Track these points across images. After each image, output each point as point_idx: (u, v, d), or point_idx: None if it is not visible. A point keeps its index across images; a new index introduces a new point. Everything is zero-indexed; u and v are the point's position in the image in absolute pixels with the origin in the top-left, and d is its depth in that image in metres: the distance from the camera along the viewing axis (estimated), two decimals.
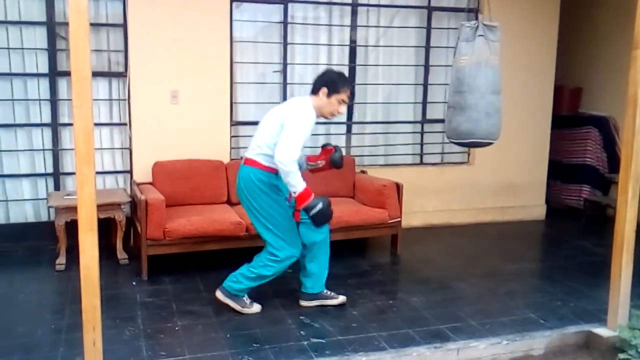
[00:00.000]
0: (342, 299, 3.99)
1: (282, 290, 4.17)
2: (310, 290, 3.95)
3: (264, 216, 3.70)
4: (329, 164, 3.97)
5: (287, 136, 3.53)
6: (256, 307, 3.85)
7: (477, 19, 5.60)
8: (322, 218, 3.60)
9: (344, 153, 5.66)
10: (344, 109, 3.82)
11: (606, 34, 6.52)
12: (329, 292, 4.00)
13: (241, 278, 3.79)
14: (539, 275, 4.90)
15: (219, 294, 3.83)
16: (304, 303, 3.95)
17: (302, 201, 3.54)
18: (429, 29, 5.93)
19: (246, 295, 3.86)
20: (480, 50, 4.23)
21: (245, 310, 3.80)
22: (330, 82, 3.73)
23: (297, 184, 3.50)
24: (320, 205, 3.54)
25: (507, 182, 6.27)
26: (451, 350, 3.39)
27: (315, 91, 3.75)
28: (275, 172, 3.66)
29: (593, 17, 6.72)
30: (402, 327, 3.63)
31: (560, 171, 6.78)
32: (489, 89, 4.25)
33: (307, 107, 3.70)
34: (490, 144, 4.41)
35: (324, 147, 4.03)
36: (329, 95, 3.71)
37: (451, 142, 4.50)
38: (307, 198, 3.53)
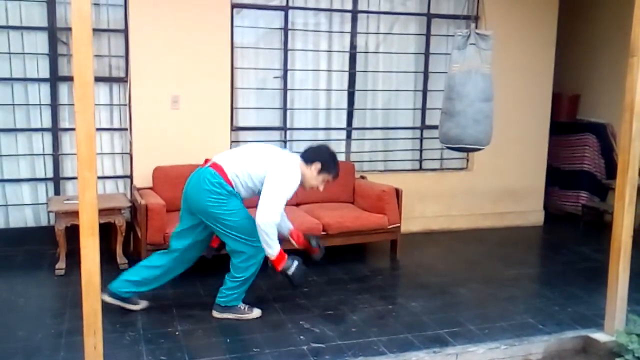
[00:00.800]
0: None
1: (282, 295, 4.19)
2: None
3: (226, 220, 3.68)
4: (304, 254, 3.95)
5: (270, 197, 3.59)
6: (256, 312, 3.86)
7: (476, 26, 5.63)
8: (299, 277, 3.71)
9: (343, 159, 5.77)
10: (322, 188, 3.88)
11: (604, 41, 6.56)
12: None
13: (228, 291, 3.79)
14: (538, 281, 4.92)
15: (215, 313, 3.81)
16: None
17: (278, 264, 3.64)
18: (428, 35, 5.97)
19: (241, 303, 3.84)
20: (471, 58, 4.30)
21: (246, 317, 3.80)
22: (326, 161, 3.81)
23: (273, 246, 3.61)
24: (295, 264, 3.68)
25: (505, 188, 6.30)
26: (450, 355, 3.40)
27: (308, 161, 3.79)
28: (230, 184, 3.69)
29: (591, 24, 6.77)
30: (401, 332, 3.65)
31: (559, 177, 6.81)
32: (478, 97, 4.31)
33: (296, 170, 3.73)
34: (479, 149, 4.49)
35: (309, 239, 4.03)
36: (320, 171, 3.79)
37: (443, 145, 4.61)
38: (282, 260, 3.64)
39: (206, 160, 3.87)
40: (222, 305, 3.81)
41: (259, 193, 3.70)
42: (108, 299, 3.71)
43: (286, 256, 3.68)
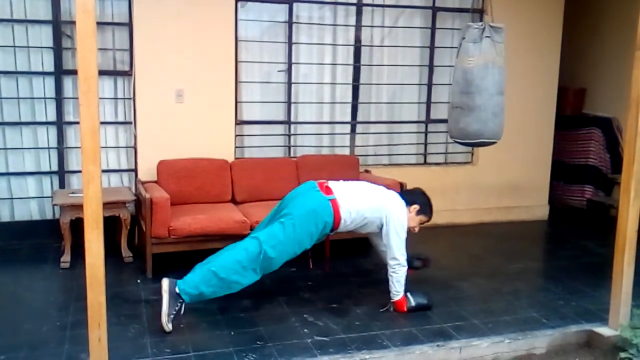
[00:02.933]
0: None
1: (286, 289, 4.21)
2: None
3: (295, 238, 3.72)
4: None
5: (399, 240, 3.84)
6: (167, 327, 3.45)
7: (481, 19, 5.61)
8: (422, 299, 3.91)
9: (348, 153, 5.76)
10: (418, 229, 4.09)
11: (610, 35, 6.52)
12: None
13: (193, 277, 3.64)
14: (542, 275, 4.92)
15: (163, 284, 3.53)
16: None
17: (402, 305, 3.84)
18: (433, 29, 5.94)
19: (181, 303, 3.54)
20: (487, 51, 4.28)
21: (161, 319, 3.46)
22: (423, 204, 4.05)
23: (401, 289, 3.86)
24: (410, 295, 3.88)
25: (510, 182, 6.28)
26: (454, 348, 3.41)
27: (407, 203, 3.99)
28: (336, 226, 3.86)
29: (597, 18, 6.73)
30: (405, 326, 3.65)
31: (564, 172, 6.79)
32: (495, 90, 4.32)
33: (405, 215, 3.94)
34: (494, 143, 4.47)
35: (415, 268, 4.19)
36: (418, 212, 4.03)
37: (456, 142, 4.54)
38: (404, 302, 3.85)
39: (322, 185, 3.92)
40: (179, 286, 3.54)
41: (353, 230, 3.98)
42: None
43: (405, 296, 3.88)
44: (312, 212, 3.74)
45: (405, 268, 3.85)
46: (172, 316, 3.47)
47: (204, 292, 3.58)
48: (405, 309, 3.83)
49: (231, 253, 3.69)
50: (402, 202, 3.96)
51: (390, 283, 3.86)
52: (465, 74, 4.30)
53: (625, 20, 5.85)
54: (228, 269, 3.60)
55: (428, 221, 4.13)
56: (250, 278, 3.67)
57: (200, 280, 3.58)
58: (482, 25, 4.32)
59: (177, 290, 3.53)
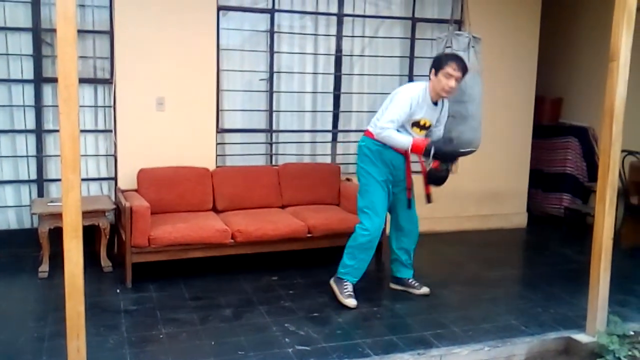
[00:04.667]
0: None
1: (267, 298, 4.20)
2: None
3: (360, 180, 4.23)
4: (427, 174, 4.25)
5: (386, 110, 4.08)
6: (351, 302, 4.07)
7: (460, 30, 5.69)
8: (444, 156, 4.03)
9: (329, 161, 5.78)
10: (452, 82, 3.97)
11: (586, 45, 6.65)
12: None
13: (344, 258, 4.19)
14: (521, 282, 4.98)
15: (331, 281, 4.26)
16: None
17: (418, 150, 4.01)
18: (412, 39, 6.00)
19: (349, 284, 4.15)
20: (473, 60, 4.37)
21: (341, 299, 4.09)
22: (436, 62, 4.06)
23: (399, 141, 4.02)
24: (433, 148, 3.95)
25: (489, 190, 6.35)
26: (434, 356, 3.43)
27: (429, 77, 4.08)
28: (374, 137, 4.10)
29: (573, 29, 6.86)
30: (385, 334, 3.67)
31: (542, 180, 6.88)
32: (480, 99, 4.43)
33: (413, 86, 4.13)
34: (475, 151, 4.57)
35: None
36: (435, 74, 4.01)
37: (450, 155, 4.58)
38: (422, 146, 3.97)
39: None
40: (337, 275, 4.22)
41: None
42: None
43: (425, 143, 3.99)
44: (358, 152, 4.34)
45: (387, 132, 4.00)
46: (346, 293, 4.09)
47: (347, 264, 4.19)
48: (422, 152, 4.00)
49: None
50: (414, 83, 4.26)
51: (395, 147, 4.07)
52: None
53: (600, 31, 5.96)
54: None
55: (454, 68, 3.94)
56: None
57: (344, 258, 4.21)
58: (468, 35, 4.41)
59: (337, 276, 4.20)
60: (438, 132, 4.27)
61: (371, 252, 4.24)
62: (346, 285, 4.17)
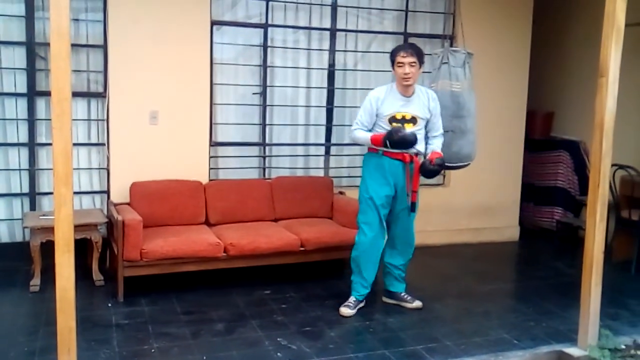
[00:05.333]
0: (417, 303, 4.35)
1: (259, 312, 4.19)
2: (390, 288, 4.44)
3: (360, 193, 4.30)
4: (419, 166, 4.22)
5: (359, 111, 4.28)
6: (341, 309, 4.21)
7: (451, 45, 5.74)
8: (400, 140, 4.02)
9: (322, 174, 5.80)
10: (406, 68, 4.04)
11: (577, 60, 6.71)
12: (405, 295, 4.43)
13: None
14: (513, 296, 4.99)
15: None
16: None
17: (377, 142, 4.10)
18: None
19: (352, 298, 4.27)
20: (468, 76, 4.43)
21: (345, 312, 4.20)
22: (390, 56, 4.20)
23: (362, 138, 4.20)
24: (389, 135, 4.03)
25: (481, 204, 6.38)
26: None
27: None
28: (374, 151, 4.19)
29: (564, 44, 6.93)
30: (378, 348, 3.67)
31: (533, 193, 6.92)
32: (475, 113, 4.48)
33: (378, 87, 4.28)
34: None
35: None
36: (392, 67, 4.15)
37: (445, 167, 4.60)
38: (379, 137, 4.08)
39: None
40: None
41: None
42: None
43: (383, 134, 4.09)
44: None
45: (352, 134, 4.25)
46: (344, 304, 4.22)
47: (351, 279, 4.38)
48: (380, 142, 4.08)
49: None
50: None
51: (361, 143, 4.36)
52: (456, 98, 4.43)
53: (590, 46, 6.03)
54: None
55: (402, 55, 4.04)
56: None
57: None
58: (465, 51, 4.47)
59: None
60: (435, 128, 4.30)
61: (365, 267, 4.27)
62: (350, 299, 4.27)
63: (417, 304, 4.37)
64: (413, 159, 4.16)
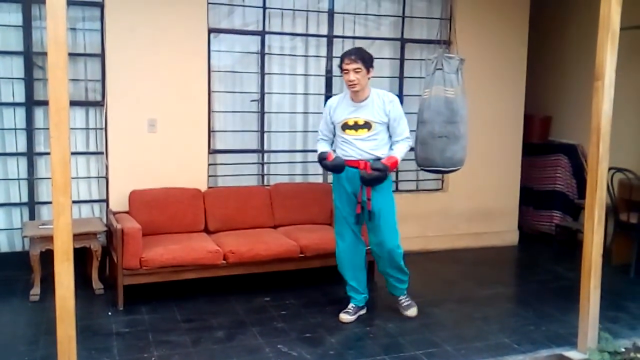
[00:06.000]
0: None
1: (260, 319, 4.19)
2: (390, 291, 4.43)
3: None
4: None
5: None
6: (341, 315, 4.22)
7: (448, 51, 5.77)
8: (329, 168, 4.16)
9: (321, 180, 5.80)
10: (350, 76, 3.98)
11: (574, 63, 6.74)
12: (402, 300, 4.41)
13: None
14: (513, 300, 4.99)
15: None
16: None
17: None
18: (402, 60, 6.08)
19: (351, 304, 4.27)
20: (461, 82, 4.45)
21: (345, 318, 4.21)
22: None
23: (318, 149, 4.25)
24: (319, 160, 4.19)
25: (480, 208, 6.39)
26: None
27: None
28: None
29: (560, 48, 6.96)
30: (378, 354, 3.66)
31: (532, 197, 6.93)
32: (467, 118, 4.48)
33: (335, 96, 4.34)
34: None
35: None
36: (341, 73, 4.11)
37: (438, 170, 4.60)
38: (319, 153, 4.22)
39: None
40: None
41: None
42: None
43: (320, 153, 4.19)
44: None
45: (317, 143, 4.33)
46: (344, 310, 4.23)
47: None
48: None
49: None
50: None
51: None
52: (450, 105, 4.44)
53: (587, 50, 6.07)
54: None
55: (344, 67, 4.00)
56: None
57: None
58: (459, 57, 4.49)
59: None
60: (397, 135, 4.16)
61: (347, 275, 4.29)
62: (350, 305, 4.30)
63: (411, 312, 4.34)
64: (367, 165, 4.03)
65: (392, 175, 4.43)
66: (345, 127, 4.09)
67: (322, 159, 4.16)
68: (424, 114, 4.69)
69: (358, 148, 4.07)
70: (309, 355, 3.63)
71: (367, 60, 3.99)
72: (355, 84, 3.97)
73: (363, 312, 4.30)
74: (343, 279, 4.34)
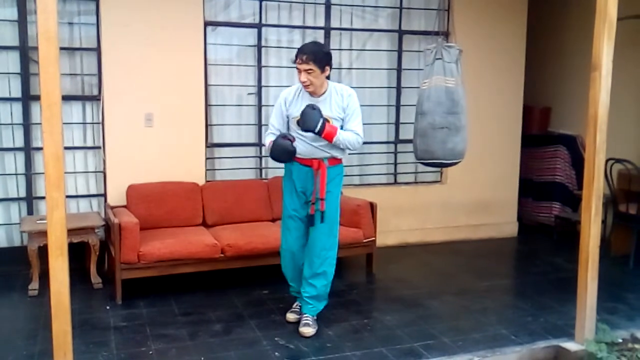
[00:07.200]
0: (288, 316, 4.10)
1: (257, 312, 4.20)
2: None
3: None
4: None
5: None
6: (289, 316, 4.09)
7: (447, 41, 5.73)
8: (276, 155, 3.81)
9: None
10: (302, 76, 3.72)
11: (572, 54, 6.71)
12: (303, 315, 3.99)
13: None
14: (511, 292, 4.99)
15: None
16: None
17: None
18: (400, 51, 6.05)
19: (296, 302, 4.14)
20: (460, 72, 4.41)
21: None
22: None
23: (266, 146, 3.95)
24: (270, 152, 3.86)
25: (479, 200, 6.38)
26: None
27: None
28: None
29: (559, 38, 6.92)
30: (376, 346, 3.67)
31: (531, 189, 6.92)
32: (466, 109, 4.45)
33: (289, 88, 4.02)
34: None
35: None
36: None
37: (439, 164, 4.56)
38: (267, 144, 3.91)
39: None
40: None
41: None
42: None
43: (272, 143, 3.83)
44: None
45: (264, 139, 4.21)
46: (295, 312, 4.09)
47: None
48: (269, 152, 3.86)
49: None
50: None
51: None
52: (451, 95, 4.37)
53: (586, 40, 6.03)
54: None
55: (297, 67, 3.71)
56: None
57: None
58: (458, 47, 4.45)
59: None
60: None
61: (288, 274, 4.12)
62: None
63: (304, 330, 3.85)
64: (321, 164, 3.85)
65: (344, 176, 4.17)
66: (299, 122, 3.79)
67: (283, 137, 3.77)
68: (423, 105, 4.62)
69: (312, 146, 3.81)
70: (307, 347, 3.63)
71: (320, 60, 3.70)
72: (307, 85, 3.74)
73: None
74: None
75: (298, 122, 3.78)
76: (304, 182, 3.91)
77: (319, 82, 3.77)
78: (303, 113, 3.70)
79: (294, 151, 3.76)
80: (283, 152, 3.76)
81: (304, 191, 3.93)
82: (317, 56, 3.71)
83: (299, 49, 3.81)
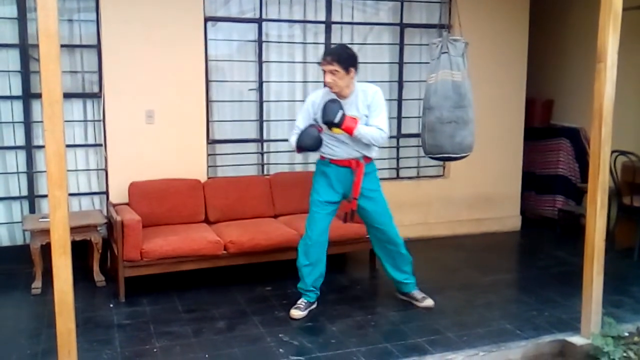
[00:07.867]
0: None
1: (261, 308, 4.19)
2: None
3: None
4: None
5: None
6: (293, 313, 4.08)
7: (451, 34, 5.70)
8: (304, 145, 4.00)
9: None
10: (328, 77, 3.88)
11: (575, 46, 6.67)
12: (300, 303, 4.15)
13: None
14: (515, 286, 4.97)
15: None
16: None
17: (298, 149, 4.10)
18: (401, 45, 6.02)
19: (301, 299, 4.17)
20: (466, 65, 4.38)
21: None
22: None
23: (292, 142, 4.08)
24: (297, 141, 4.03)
25: (482, 194, 6.35)
26: None
27: None
28: (323, 158, 4.09)
29: (562, 31, 6.88)
30: (380, 342, 3.66)
31: (535, 182, 6.89)
32: (473, 102, 4.43)
33: (316, 91, 4.19)
34: None
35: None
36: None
37: (448, 158, 4.53)
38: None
39: None
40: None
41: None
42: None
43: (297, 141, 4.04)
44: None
45: (289, 139, 4.15)
46: (299, 308, 4.07)
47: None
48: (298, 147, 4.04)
49: None
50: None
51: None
52: (458, 89, 4.33)
53: (589, 32, 5.99)
54: None
55: (323, 68, 3.92)
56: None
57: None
58: (464, 40, 4.42)
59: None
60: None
61: (306, 269, 4.18)
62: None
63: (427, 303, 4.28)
64: (358, 163, 4.01)
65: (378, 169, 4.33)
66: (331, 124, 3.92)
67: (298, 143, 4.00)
68: (430, 100, 4.58)
69: (347, 146, 3.97)
70: (311, 344, 3.63)
71: (345, 61, 3.83)
72: (332, 86, 3.87)
73: (314, 307, 4.18)
74: (315, 269, 4.16)
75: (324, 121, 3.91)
76: (344, 182, 4.06)
77: (343, 83, 3.87)
78: (324, 106, 3.85)
79: (320, 138, 3.94)
80: (310, 137, 3.94)
81: (344, 193, 4.10)
82: (341, 57, 3.84)
83: (324, 51, 3.98)
